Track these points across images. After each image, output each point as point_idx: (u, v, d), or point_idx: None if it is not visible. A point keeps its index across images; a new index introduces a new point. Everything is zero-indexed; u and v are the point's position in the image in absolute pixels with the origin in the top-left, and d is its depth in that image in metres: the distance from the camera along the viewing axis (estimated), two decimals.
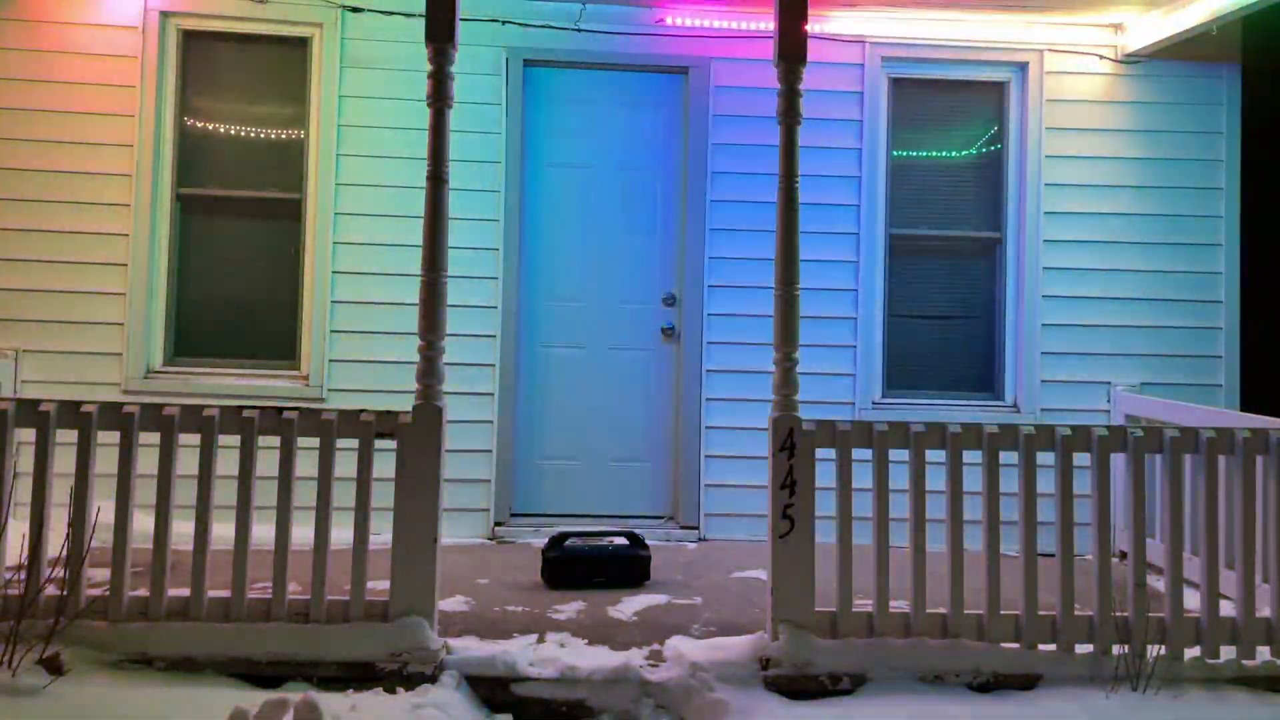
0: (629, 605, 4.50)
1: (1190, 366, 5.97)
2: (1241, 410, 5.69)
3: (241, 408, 3.76)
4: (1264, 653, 3.82)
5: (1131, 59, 5.99)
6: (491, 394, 5.76)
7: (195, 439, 3.71)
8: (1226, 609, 3.89)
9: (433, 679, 3.55)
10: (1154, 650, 3.73)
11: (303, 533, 3.75)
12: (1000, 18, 5.87)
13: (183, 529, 3.71)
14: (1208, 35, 5.55)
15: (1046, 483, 3.85)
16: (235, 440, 3.73)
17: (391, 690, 3.48)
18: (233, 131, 5.83)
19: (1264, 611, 3.87)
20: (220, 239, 5.83)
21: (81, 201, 5.62)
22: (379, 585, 3.75)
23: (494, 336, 5.78)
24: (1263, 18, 5.35)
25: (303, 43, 5.80)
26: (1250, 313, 6.03)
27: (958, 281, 6.15)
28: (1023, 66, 6.03)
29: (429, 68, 3.86)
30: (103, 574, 3.71)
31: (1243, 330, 5.98)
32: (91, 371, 5.57)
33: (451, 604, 4.39)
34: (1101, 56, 6.02)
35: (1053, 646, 3.78)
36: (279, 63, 5.84)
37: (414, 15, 5.50)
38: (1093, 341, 5.97)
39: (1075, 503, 3.87)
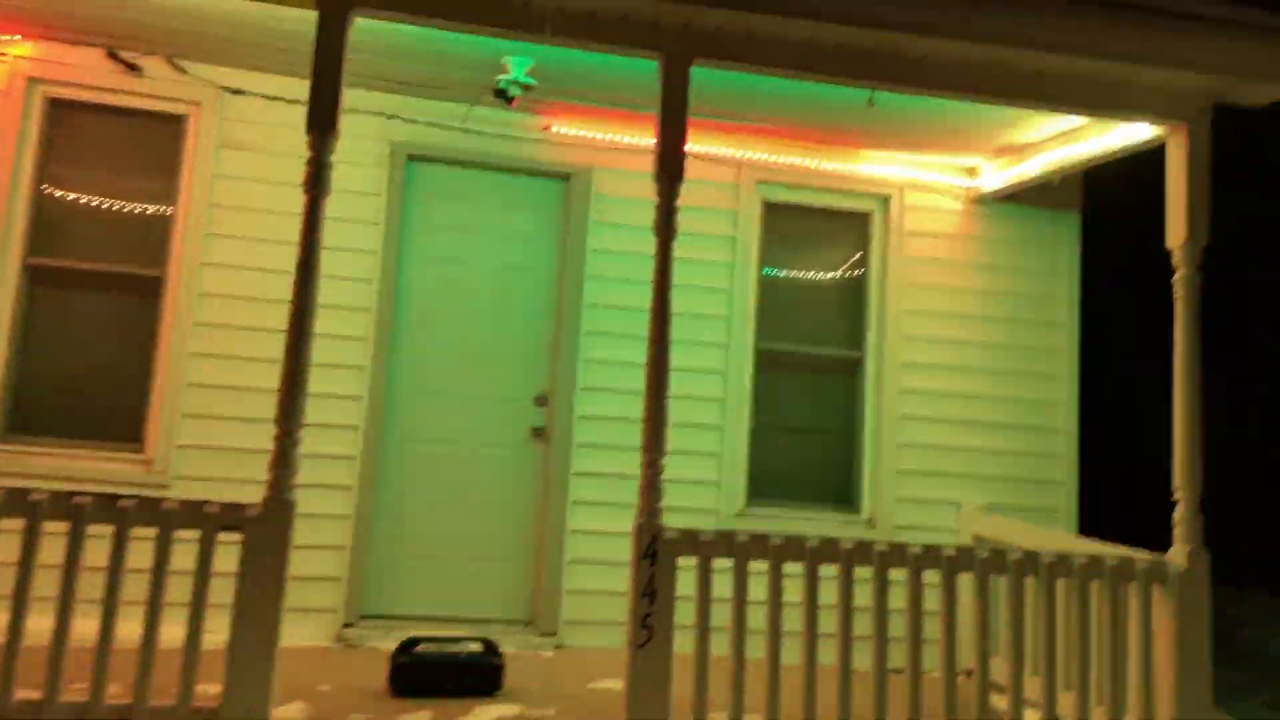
0: (480, 716, 4.34)
1: (1033, 489, 6.27)
2: (1078, 534, 5.99)
3: (72, 493, 3.53)
4: None
5: (983, 200, 6.43)
6: (350, 487, 5.57)
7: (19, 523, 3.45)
8: None
9: None
10: None
11: (132, 630, 3.50)
12: (866, 153, 6.24)
13: None
14: (1050, 183, 6.04)
15: (897, 599, 3.95)
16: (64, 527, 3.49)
17: None
18: (95, 203, 5.60)
19: None
20: (71, 313, 5.54)
21: None
22: (211, 689, 3.51)
23: (357, 428, 5.62)
24: (1099, 172, 5.84)
25: (178, 119, 5.68)
26: (1087, 441, 6.41)
27: (821, 397, 6.35)
28: (885, 199, 6.39)
29: (308, 154, 3.83)
30: None
31: (1080, 457, 6.34)
32: None
33: (288, 711, 4.14)
34: (956, 196, 6.45)
35: None
36: (152, 137, 5.68)
37: (296, 101, 5.46)
38: (945, 462, 6.22)
39: (924, 619, 3.97)
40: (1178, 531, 4.18)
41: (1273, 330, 10.65)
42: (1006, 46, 4.10)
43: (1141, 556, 4.20)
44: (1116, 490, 7.46)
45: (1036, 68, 4.28)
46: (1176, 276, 4.32)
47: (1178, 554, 4.15)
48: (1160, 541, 4.28)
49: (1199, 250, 4.31)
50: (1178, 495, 4.19)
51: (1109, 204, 7.13)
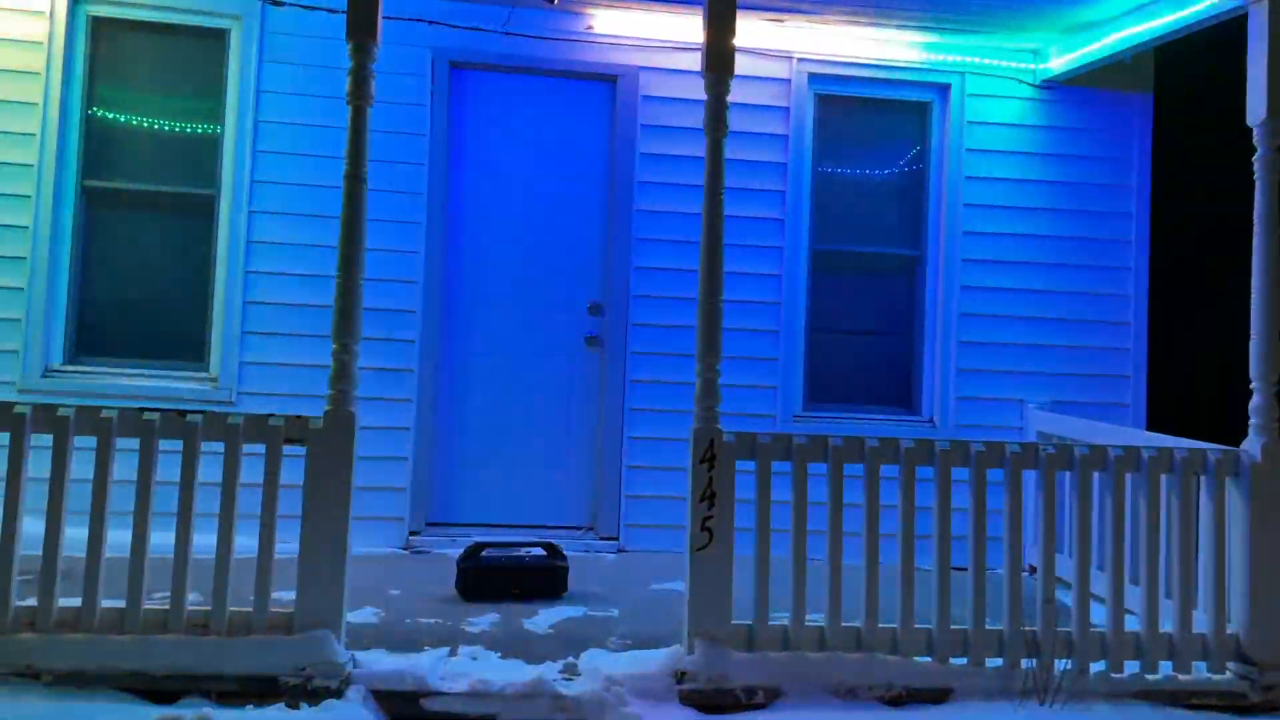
0: (545, 617, 4.43)
1: (1099, 385, 6.12)
2: (1147, 430, 5.86)
3: (142, 409, 3.62)
4: (1166, 667, 3.91)
5: (1049, 84, 6.14)
6: (410, 400, 5.64)
7: (93, 441, 3.55)
8: (1131, 624, 3.97)
9: (338, 693, 3.43)
10: (1061, 664, 3.80)
11: (206, 541, 3.61)
12: (923, 38, 5.97)
13: (77, 535, 3.54)
14: (1122, 64, 5.73)
15: (960, 498, 3.90)
16: (136, 444, 3.58)
17: (294, 705, 3.37)
18: (144, 124, 5.62)
19: (1166, 627, 3.96)
20: (127, 234, 5.61)
21: None
22: (285, 596, 3.62)
23: (413, 341, 5.66)
24: (1174, 49, 5.53)
25: (220, 34, 5.63)
26: (1156, 335, 6.22)
27: (879, 297, 6.22)
28: (944, 88, 6.13)
29: (350, 64, 3.77)
30: None
31: (1150, 352, 6.16)
32: None
33: (361, 616, 4.26)
34: (1020, 81, 6.16)
35: (964, 660, 3.82)
36: (195, 54, 5.65)
37: (337, 11, 5.35)
38: (1007, 359, 6.09)
39: (988, 518, 3.92)
40: (1254, 422, 4.04)
41: None
42: None
43: (1214, 449, 4.09)
44: (1188, 385, 7.24)
45: None
46: (1256, 156, 4.10)
47: (1253, 446, 4.02)
48: (1234, 439, 4.15)
49: None
50: (1254, 384, 4.05)
51: (1184, 85, 6.74)
